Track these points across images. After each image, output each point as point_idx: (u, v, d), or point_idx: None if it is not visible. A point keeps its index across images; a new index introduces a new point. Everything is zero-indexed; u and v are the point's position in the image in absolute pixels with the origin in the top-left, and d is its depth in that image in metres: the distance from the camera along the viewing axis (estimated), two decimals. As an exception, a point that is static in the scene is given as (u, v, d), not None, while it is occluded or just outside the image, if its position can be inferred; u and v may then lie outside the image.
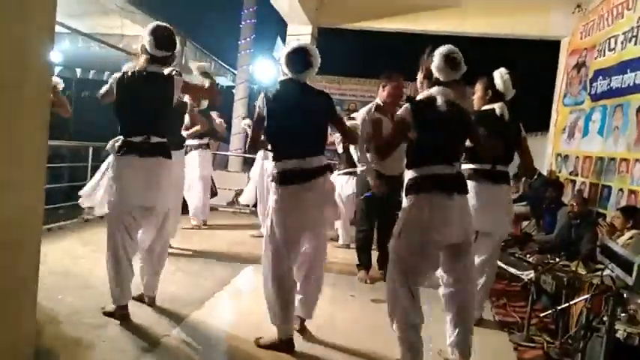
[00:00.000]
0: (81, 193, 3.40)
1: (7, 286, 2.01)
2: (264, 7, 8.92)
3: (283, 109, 2.86)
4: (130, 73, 3.07)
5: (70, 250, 4.48)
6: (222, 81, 13.35)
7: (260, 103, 2.87)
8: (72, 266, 3.93)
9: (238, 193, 8.21)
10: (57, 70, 10.83)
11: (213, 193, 7.12)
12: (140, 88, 3.05)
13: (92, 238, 4.92)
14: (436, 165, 2.66)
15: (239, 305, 3.27)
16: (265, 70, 12.54)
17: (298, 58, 2.86)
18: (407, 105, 2.69)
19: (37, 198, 2.16)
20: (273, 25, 9.82)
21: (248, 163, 11.61)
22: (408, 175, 2.72)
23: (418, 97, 2.73)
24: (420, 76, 2.79)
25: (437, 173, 2.65)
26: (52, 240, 4.55)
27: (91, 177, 5.98)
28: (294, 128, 2.85)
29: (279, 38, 10.49)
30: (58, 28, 2.52)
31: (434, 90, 2.68)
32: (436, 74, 2.67)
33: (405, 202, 2.70)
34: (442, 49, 2.65)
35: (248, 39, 10.10)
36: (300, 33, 8.04)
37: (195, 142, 5.72)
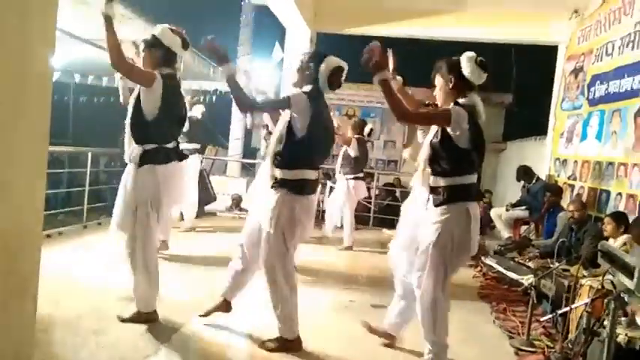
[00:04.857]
0: (114, 223, 3.08)
1: (7, 290, 2.00)
2: (263, 13, 8.95)
3: (321, 120, 2.88)
4: (167, 77, 3.00)
5: (69, 256, 4.46)
6: (221, 86, 13.35)
7: (301, 104, 2.79)
8: (71, 272, 3.91)
9: (235, 198, 8.18)
10: (55, 75, 10.83)
11: (213, 198, 7.11)
12: (178, 92, 3.12)
13: (91, 244, 4.91)
14: (473, 174, 2.69)
15: (239, 310, 3.25)
16: (264, 74, 12.54)
17: (339, 77, 2.93)
18: (460, 108, 2.58)
19: (38, 203, 2.16)
20: (272, 30, 9.85)
21: (246, 169, 11.60)
22: (443, 182, 2.63)
23: (463, 102, 2.63)
24: (449, 81, 2.68)
25: (473, 182, 2.70)
26: (51, 246, 4.52)
27: (90, 183, 6.05)
28: (324, 141, 2.95)
29: (277, 43, 10.52)
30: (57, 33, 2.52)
31: (474, 97, 2.65)
32: (470, 78, 2.62)
33: (445, 211, 2.62)
34: (469, 54, 2.63)
35: (247, 44, 10.12)
36: (299, 38, 8.06)
37: (191, 146, 5.63)
